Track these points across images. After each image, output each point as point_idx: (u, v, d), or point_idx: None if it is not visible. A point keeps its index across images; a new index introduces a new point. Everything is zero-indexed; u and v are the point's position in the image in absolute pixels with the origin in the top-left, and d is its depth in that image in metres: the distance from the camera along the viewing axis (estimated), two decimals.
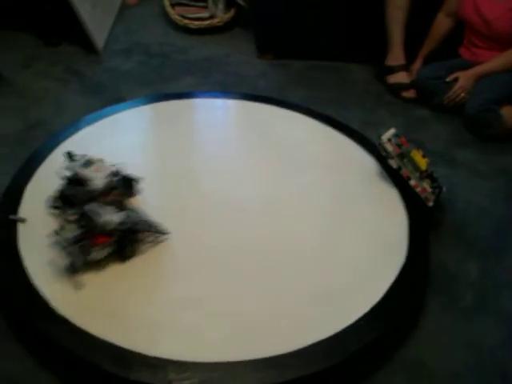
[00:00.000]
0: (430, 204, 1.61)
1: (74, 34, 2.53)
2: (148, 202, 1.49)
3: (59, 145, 1.69)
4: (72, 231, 1.28)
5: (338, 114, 2.09)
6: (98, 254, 1.27)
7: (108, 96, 2.24)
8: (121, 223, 1.30)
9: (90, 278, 1.29)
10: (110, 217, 1.29)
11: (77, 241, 1.26)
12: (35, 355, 1.24)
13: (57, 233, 1.31)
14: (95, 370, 1.12)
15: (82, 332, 1.15)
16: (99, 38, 2.58)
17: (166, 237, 1.38)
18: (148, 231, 1.37)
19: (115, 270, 1.31)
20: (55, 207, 1.42)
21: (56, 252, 1.29)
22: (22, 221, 1.39)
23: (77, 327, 1.16)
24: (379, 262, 1.41)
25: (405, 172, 1.60)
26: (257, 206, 1.55)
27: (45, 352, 1.23)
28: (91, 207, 1.31)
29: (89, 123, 1.79)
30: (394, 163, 1.60)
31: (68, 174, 1.44)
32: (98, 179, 1.40)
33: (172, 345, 1.16)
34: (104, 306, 1.23)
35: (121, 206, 1.37)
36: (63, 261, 1.27)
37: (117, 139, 1.73)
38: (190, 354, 1.13)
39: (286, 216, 1.52)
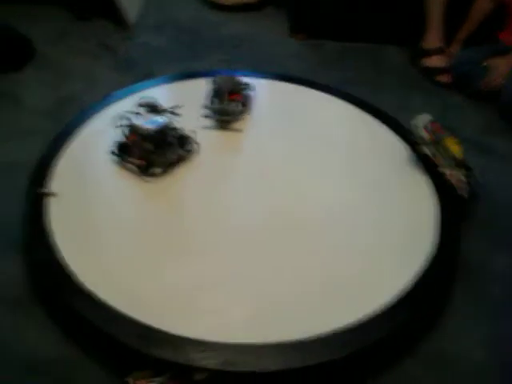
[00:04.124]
0: (463, 194, 1.56)
1: (106, 8, 2.52)
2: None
3: (89, 120, 1.69)
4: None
5: (372, 97, 2.04)
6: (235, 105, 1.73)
7: (138, 72, 2.23)
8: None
9: (120, 255, 1.30)
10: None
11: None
12: (61, 327, 1.26)
13: None
14: (118, 344, 1.12)
15: (106, 307, 1.16)
16: (131, 12, 2.57)
17: None
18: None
19: (142, 248, 1.32)
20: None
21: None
22: (53, 195, 1.40)
23: (102, 302, 1.17)
24: (408, 251, 1.38)
25: (438, 160, 1.56)
26: (284, 188, 1.53)
27: (71, 325, 1.24)
28: None
29: (118, 99, 1.79)
30: (427, 150, 1.56)
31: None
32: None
33: (195, 324, 1.16)
34: (130, 283, 1.23)
35: None
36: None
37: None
38: (213, 334, 1.13)
39: (314, 200, 1.50)
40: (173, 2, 2.83)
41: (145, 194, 1.49)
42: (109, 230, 1.37)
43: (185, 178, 1.53)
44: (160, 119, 1.52)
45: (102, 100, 1.81)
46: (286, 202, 1.49)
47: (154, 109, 1.59)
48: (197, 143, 1.60)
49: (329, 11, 2.50)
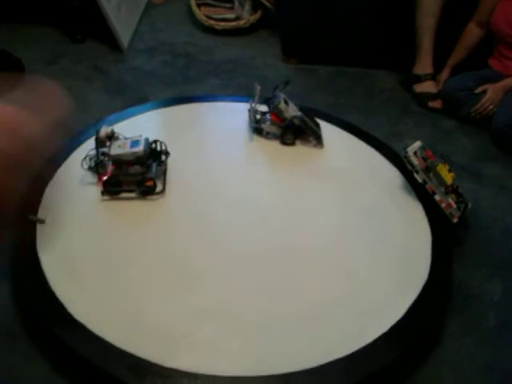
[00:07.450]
0: (455, 220, 1.57)
1: (100, 31, 2.53)
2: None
3: (80, 145, 1.68)
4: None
5: (363, 122, 2.05)
6: (269, 127, 1.75)
7: (131, 95, 2.23)
8: (296, 117, 1.70)
9: (109, 285, 1.28)
10: (292, 111, 1.71)
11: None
12: (50, 359, 1.23)
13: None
14: (109, 377, 1.10)
15: (97, 339, 1.14)
16: (124, 36, 2.58)
17: None
18: (309, 136, 1.76)
19: (135, 278, 1.30)
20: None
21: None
22: (41, 222, 1.38)
23: (93, 334, 1.14)
24: (400, 280, 1.38)
25: (430, 186, 1.56)
26: (276, 215, 1.52)
27: (59, 356, 1.22)
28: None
29: (110, 124, 1.78)
30: (419, 177, 1.57)
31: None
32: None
33: (187, 357, 1.14)
34: (122, 314, 1.21)
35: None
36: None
37: None
38: (205, 367, 1.11)
39: (305, 228, 1.49)
40: (166, 26, 2.84)
41: (132, 218, 1.47)
42: (97, 259, 1.34)
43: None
44: (136, 139, 1.51)
45: (92, 125, 1.79)
46: (278, 232, 1.47)
47: (113, 137, 1.57)
48: (168, 153, 1.58)
49: (319, 37, 2.52)
